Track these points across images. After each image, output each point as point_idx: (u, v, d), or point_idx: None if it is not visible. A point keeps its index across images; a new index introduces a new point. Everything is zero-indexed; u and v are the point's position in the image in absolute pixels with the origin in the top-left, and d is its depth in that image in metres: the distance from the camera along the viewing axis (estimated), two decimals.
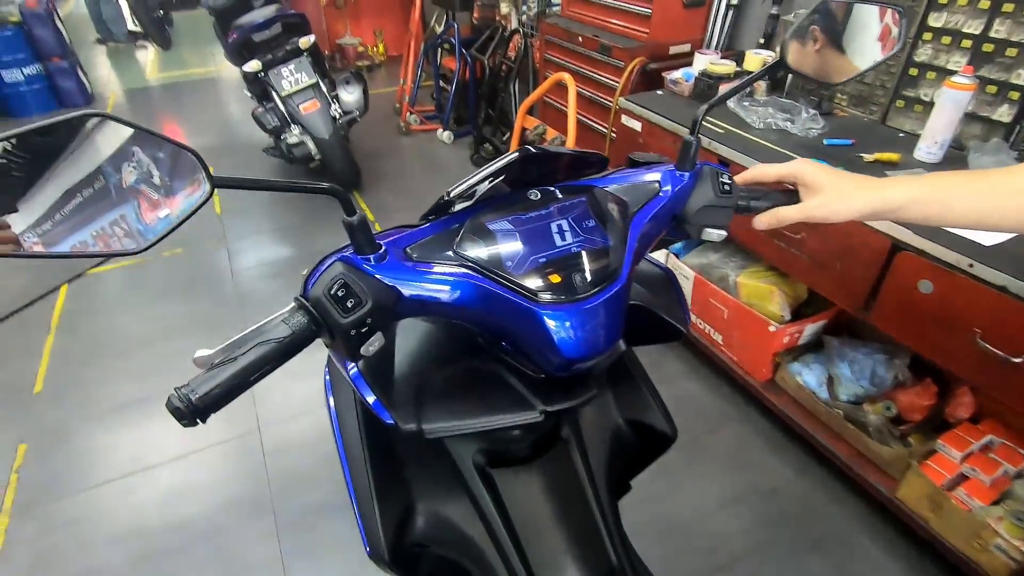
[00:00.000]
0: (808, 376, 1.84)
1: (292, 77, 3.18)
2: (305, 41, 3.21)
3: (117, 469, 1.92)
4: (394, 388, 0.67)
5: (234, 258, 2.99)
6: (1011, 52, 1.52)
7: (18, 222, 0.41)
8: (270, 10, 3.30)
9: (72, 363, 2.34)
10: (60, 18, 4.85)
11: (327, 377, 0.90)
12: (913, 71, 1.74)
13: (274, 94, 3.18)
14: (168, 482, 1.89)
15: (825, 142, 1.74)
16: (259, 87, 3.33)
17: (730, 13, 2.45)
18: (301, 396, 2.15)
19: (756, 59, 2.05)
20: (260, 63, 3.13)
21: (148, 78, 5.93)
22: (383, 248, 0.56)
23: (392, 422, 0.62)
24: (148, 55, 6.67)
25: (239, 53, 3.28)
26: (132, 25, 7.00)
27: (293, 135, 3.23)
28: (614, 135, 2.56)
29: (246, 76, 3.28)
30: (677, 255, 2.15)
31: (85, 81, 5.08)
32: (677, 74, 2.14)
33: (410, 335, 0.76)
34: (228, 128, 4.70)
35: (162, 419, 2.08)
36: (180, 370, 2.19)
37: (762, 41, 2.25)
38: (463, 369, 0.72)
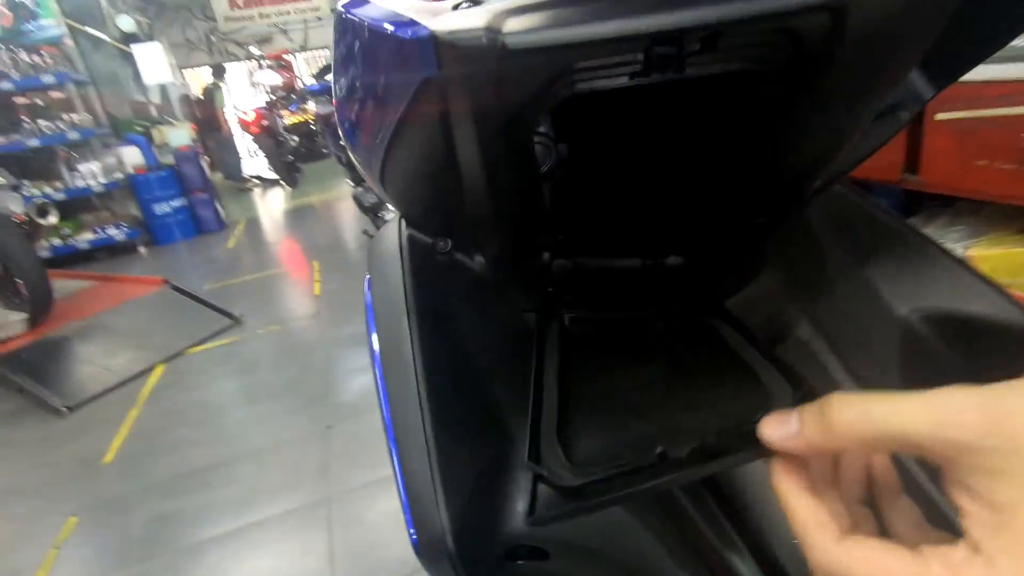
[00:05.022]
0: None
1: None
2: None
3: (162, 545, 1.56)
4: None
5: (326, 330, 2.81)
6: None
7: None
8: None
9: (148, 434, 2.14)
10: (204, 157, 5.56)
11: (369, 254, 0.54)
12: None
13: None
14: (217, 561, 1.49)
15: None
16: (357, 171, 3.40)
17: None
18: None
19: None
20: None
21: (272, 208, 6.55)
22: None
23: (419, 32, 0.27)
24: (279, 192, 7.49)
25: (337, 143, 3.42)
26: (249, 171, 8.22)
27: (390, 212, 3.20)
28: None
29: (342, 160, 3.38)
30: None
31: (220, 210, 5.66)
32: None
33: None
34: (336, 232, 4.96)
35: (216, 487, 1.75)
36: (247, 435, 1.90)
37: None
38: None
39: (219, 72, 7.75)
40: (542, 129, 0.38)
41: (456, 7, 0.38)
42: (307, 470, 1.77)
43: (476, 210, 0.40)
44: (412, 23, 0.27)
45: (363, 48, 0.33)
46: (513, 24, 0.25)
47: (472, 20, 0.26)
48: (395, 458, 0.44)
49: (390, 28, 0.28)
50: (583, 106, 0.32)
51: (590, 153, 0.37)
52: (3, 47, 4.39)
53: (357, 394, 2.16)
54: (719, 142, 0.33)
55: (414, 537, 0.41)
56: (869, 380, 0.48)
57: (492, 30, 0.25)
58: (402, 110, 0.33)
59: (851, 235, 0.53)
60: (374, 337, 0.49)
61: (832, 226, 0.54)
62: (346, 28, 0.34)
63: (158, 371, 2.63)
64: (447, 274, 0.49)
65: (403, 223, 0.50)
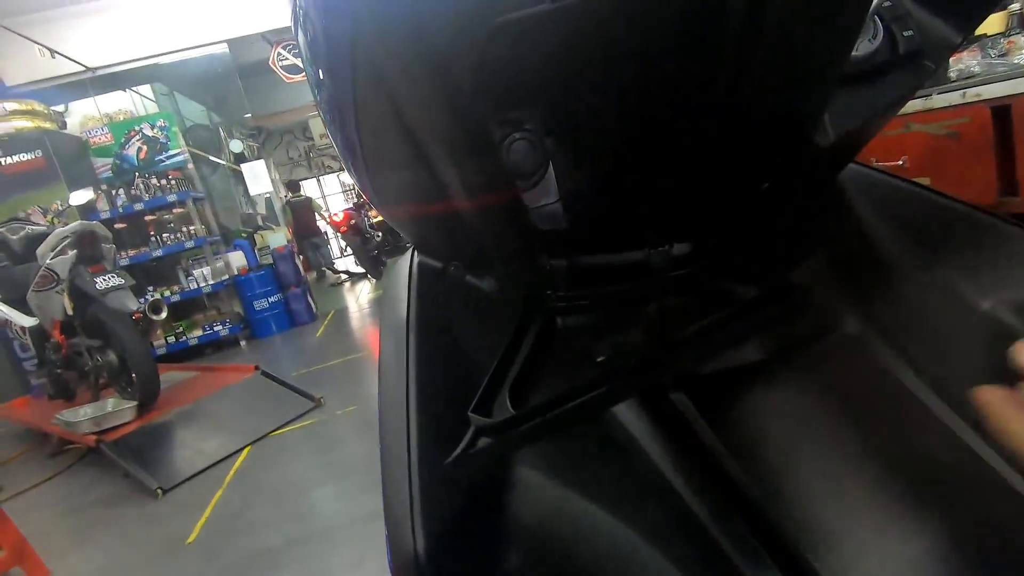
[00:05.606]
0: None
1: None
2: None
3: None
4: None
5: None
6: None
7: None
8: None
9: (229, 515, 2.19)
10: (299, 256, 6.06)
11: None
12: None
13: None
14: None
15: None
16: None
17: None
18: None
19: None
20: None
21: (359, 299, 6.94)
22: None
23: None
24: (365, 284, 7.97)
25: None
26: (339, 267, 8.86)
27: None
28: None
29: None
30: None
31: (312, 304, 6.07)
32: None
33: None
34: None
35: (288, 566, 1.73)
36: (320, 513, 1.89)
37: None
38: None
39: (294, 186, 8.67)
40: (528, 126, 0.37)
41: None
42: (375, 547, 1.72)
43: (473, 226, 0.39)
44: None
45: (302, 28, 0.34)
46: None
47: None
48: (383, 474, 0.41)
49: None
50: (558, 93, 0.30)
51: (575, 144, 0.35)
52: (138, 175, 5.15)
53: None
54: (690, 98, 0.30)
55: (390, 561, 0.37)
56: (941, 375, 0.40)
57: None
58: (350, 81, 0.33)
59: (910, 224, 0.47)
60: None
61: (883, 215, 0.48)
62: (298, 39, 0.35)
63: (245, 453, 2.74)
64: (456, 296, 0.49)
65: (414, 252, 0.51)
